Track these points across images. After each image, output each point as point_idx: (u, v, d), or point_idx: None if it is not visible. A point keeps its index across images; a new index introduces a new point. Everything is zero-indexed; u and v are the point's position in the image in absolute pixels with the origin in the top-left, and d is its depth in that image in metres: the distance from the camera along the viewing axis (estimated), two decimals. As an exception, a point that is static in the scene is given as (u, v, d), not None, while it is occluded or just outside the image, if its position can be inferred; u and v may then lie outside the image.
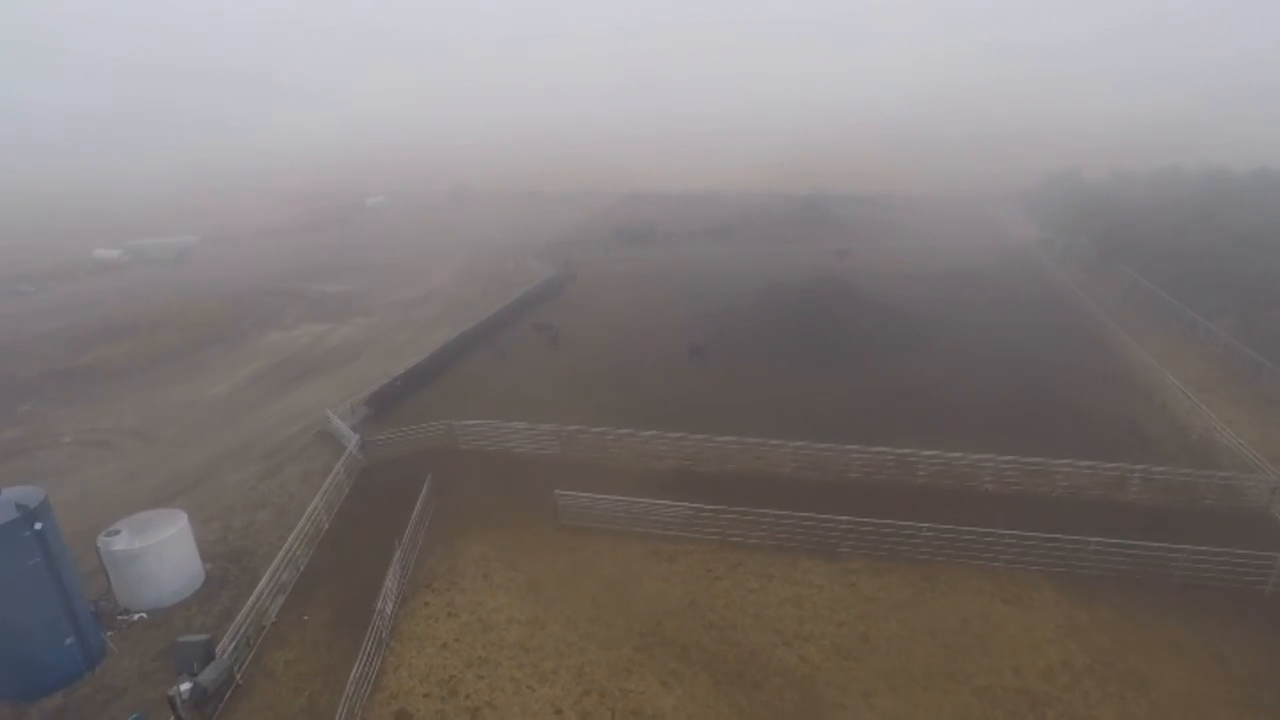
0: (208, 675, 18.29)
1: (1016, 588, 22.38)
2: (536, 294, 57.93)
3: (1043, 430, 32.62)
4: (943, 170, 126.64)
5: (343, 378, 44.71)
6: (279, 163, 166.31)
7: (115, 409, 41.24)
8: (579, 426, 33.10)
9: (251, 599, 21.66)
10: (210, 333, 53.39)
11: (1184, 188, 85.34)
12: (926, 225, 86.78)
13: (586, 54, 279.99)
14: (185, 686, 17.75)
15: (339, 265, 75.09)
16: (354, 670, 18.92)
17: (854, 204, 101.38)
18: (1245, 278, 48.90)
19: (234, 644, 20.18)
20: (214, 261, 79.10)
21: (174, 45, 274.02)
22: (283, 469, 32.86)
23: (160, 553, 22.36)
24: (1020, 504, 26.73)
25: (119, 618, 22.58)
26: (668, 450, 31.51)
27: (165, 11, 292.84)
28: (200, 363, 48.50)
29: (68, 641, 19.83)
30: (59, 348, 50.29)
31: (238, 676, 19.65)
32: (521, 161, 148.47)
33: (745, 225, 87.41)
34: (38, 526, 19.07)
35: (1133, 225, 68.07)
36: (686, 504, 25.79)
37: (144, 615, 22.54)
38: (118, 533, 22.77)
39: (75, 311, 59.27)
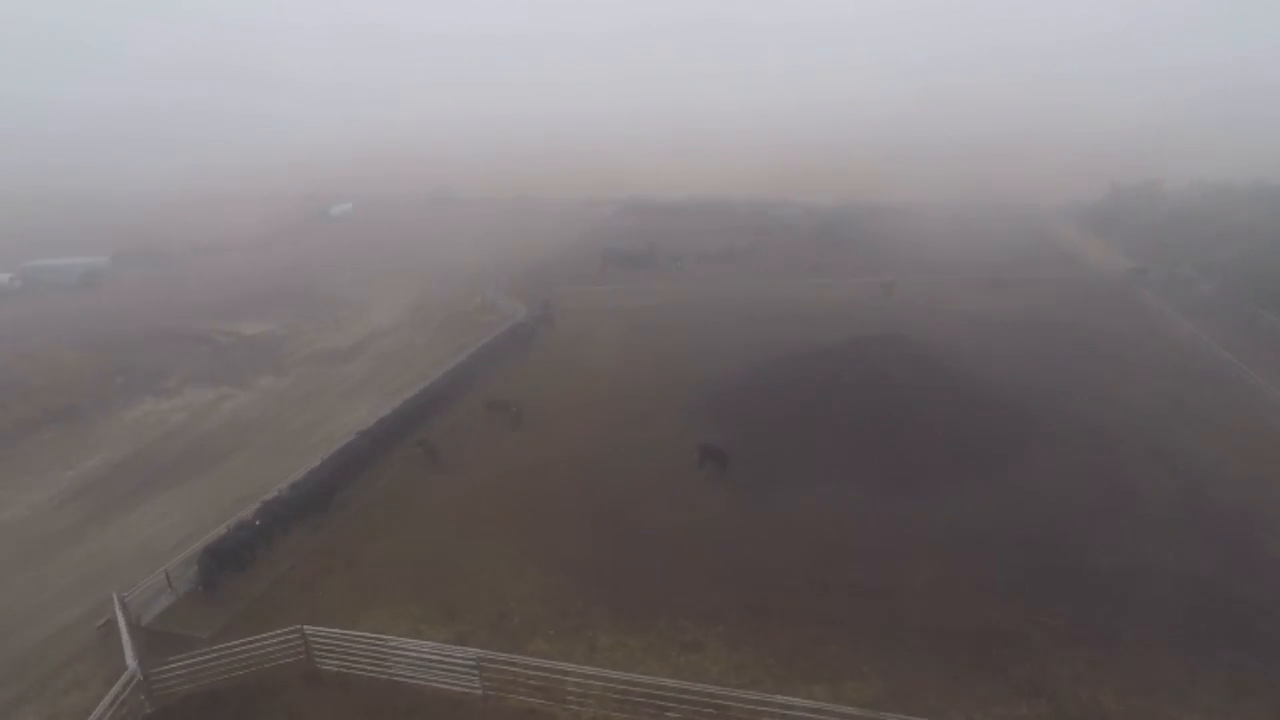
0: None
1: None
2: (499, 349, 44.22)
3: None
4: (973, 175, 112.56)
5: (203, 490, 31.20)
6: (275, 161, 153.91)
7: None
8: (509, 660, 19.54)
9: None
10: (57, 402, 39.80)
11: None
12: (976, 245, 72.71)
13: (586, 52, 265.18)
14: None
15: (272, 295, 61.49)
16: None
17: (884, 215, 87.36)
18: None
19: None
20: (125, 288, 65.61)
21: (173, 43, 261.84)
22: (8, 717, 19.39)
23: None
24: None
25: None
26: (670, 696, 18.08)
27: (165, 11, 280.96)
28: (18, 456, 34.92)
29: None
30: None
31: None
32: (516, 163, 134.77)
33: (763, 245, 73.49)
34: None
35: (1264, 253, 54.00)
36: None
37: None
38: None
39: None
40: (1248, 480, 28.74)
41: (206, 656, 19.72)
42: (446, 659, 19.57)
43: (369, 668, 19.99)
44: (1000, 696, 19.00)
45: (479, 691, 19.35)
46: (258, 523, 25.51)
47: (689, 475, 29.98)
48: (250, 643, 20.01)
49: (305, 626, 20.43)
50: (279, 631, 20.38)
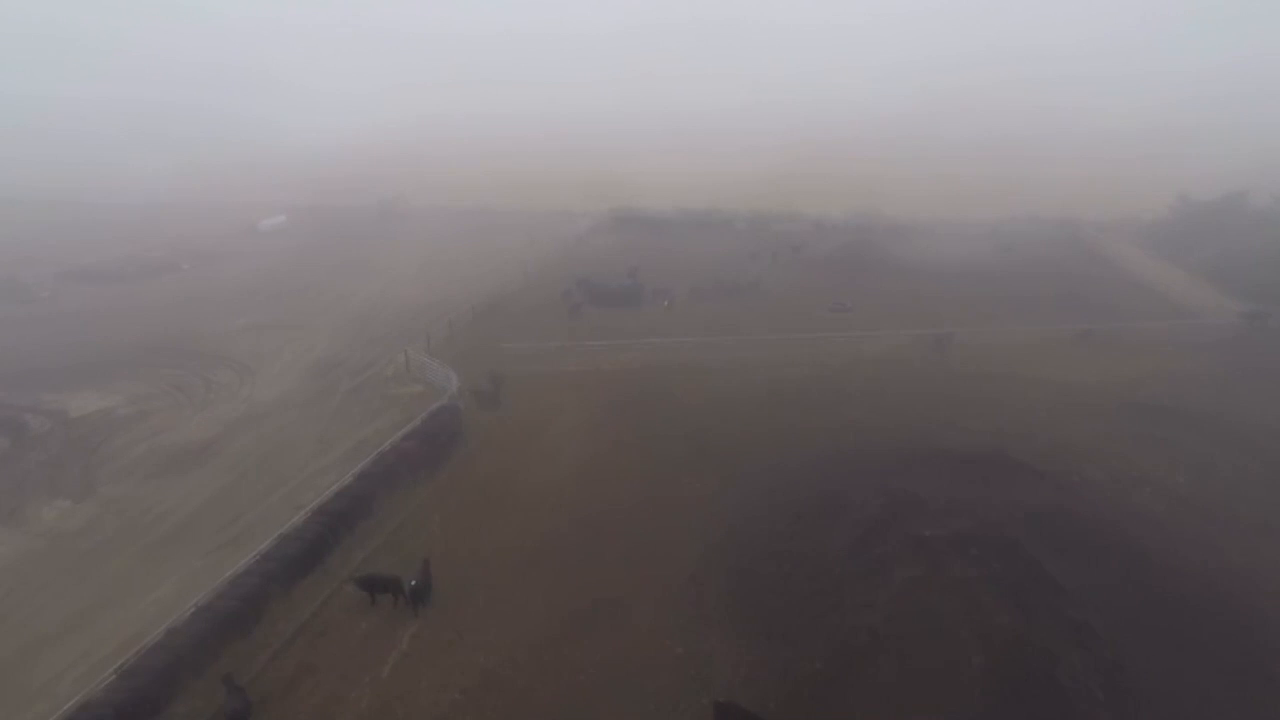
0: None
1: None
2: (407, 459, 30.16)
3: None
4: (1001, 181, 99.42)
5: None
6: (252, 161, 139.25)
7: None
8: None
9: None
10: None
11: None
12: (1028, 273, 59.55)
13: (583, 51, 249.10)
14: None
15: (137, 348, 47.20)
16: None
17: (908, 234, 74.00)
18: None
19: None
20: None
21: (171, 42, 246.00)
22: None
23: None
24: None
25: None
26: None
27: (164, 10, 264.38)
28: None
29: None
30: None
31: None
32: (500, 164, 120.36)
33: (773, 275, 59.79)
34: None
35: None
36: None
37: None
38: None
39: None
40: None
41: None
42: None
43: None
44: None
45: None
46: None
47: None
48: None
49: None
50: None
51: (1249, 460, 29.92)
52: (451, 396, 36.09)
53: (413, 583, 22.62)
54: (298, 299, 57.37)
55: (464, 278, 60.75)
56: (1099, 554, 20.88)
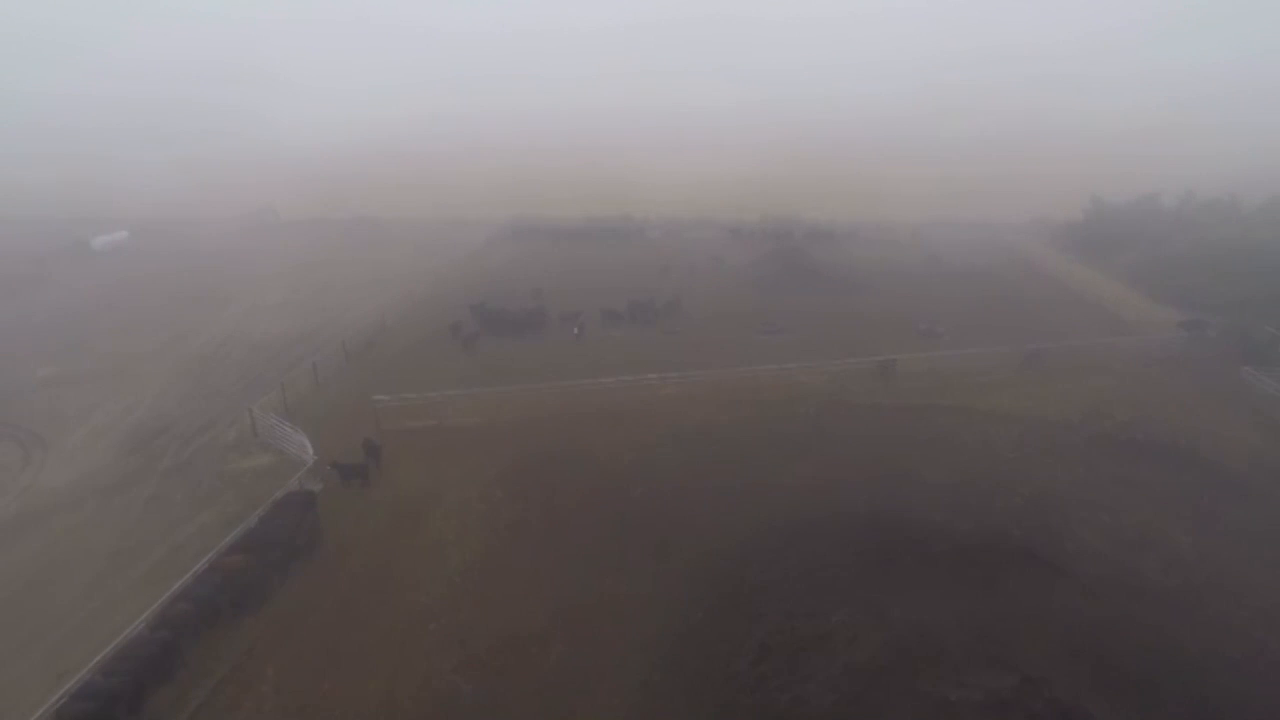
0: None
1: None
2: (235, 581, 22.15)
3: None
4: (928, 183, 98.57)
5: None
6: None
7: None
8: None
9: None
10: None
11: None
12: (961, 284, 56.86)
13: (577, 49, 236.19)
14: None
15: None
16: None
17: (837, 240, 70.56)
18: None
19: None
20: None
21: (172, 41, 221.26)
22: None
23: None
24: None
25: None
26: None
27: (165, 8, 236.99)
28: None
29: None
30: None
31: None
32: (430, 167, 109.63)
33: (693, 293, 54.11)
34: None
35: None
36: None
37: None
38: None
39: None
40: None
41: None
42: None
43: None
44: None
45: None
46: None
47: None
48: None
49: None
50: None
51: (1246, 507, 26.43)
52: (304, 477, 28.20)
53: None
54: (124, 339, 47.02)
55: (339, 305, 52.03)
56: (1150, 694, 15.92)
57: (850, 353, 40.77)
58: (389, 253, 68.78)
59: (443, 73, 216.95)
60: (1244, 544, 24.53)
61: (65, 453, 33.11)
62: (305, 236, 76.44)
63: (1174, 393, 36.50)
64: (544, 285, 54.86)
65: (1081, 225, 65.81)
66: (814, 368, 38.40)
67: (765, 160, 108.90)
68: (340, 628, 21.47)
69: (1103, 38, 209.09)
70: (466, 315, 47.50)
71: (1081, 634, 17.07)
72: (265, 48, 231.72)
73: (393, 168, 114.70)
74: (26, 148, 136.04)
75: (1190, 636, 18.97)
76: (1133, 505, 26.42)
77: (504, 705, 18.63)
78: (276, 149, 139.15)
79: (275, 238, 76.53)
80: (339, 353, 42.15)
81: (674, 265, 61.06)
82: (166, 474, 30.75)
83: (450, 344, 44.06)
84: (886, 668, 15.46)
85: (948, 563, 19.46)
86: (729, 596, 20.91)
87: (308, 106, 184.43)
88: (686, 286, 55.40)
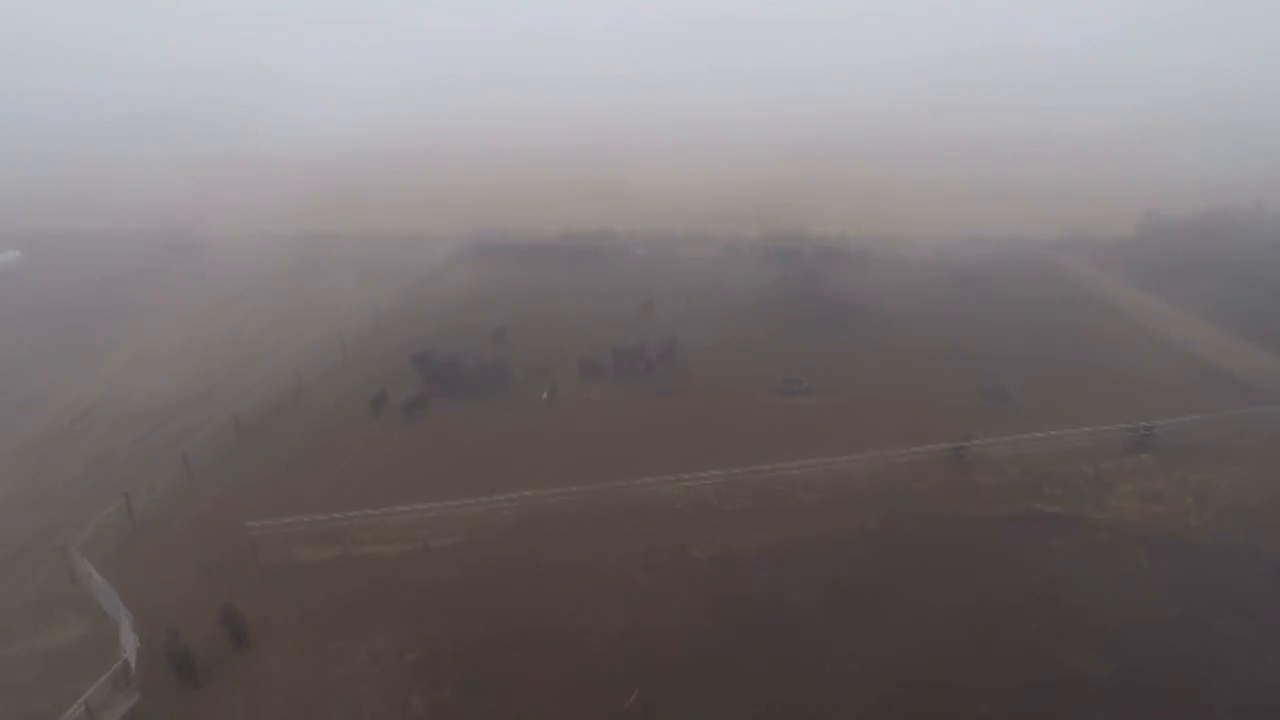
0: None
1: None
2: None
3: None
4: (948, 193, 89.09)
5: None
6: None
7: None
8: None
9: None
10: None
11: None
12: (1002, 315, 47.68)
13: (575, 48, 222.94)
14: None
15: None
16: None
17: (863, 264, 59.95)
18: None
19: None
20: None
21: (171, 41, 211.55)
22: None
23: None
24: None
25: None
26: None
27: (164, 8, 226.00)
28: None
29: None
30: None
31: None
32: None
33: (691, 331, 44.11)
34: None
35: None
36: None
37: None
38: None
39: None
40: None
41: None
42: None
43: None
44: None
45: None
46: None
47: None
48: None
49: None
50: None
51: None
52: (116, 678, 18.04)
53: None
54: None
55: (247, 355, 41.52)
56: None
57: (900, 424, 31.22)
58: (330, 278, 58.21)
59: (438, 74, 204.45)
60: None
61: None
62: (236, 256, 65.64)
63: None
64: (509, 321, 44.88)
65: (1135, 242, 56.76)
66: (860, 455, 28.69)
67: (766, 162, 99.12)
68: None
69: (1124, 34, 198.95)
70: (407, 369, 37.35)
71: None
72: (256, 47, 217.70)
73: (356, 178, 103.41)
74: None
75: None
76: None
77: None
78: (235, 154, 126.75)
79: (199, 259, 65.55)
80: (231, 425, 31.82)
81: (666, 294, 51.18)
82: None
83: (384, 410, 33.88)
84: None
85: None
86: None
87: (282, 106, 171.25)
88: (682, 321, 45.58)
